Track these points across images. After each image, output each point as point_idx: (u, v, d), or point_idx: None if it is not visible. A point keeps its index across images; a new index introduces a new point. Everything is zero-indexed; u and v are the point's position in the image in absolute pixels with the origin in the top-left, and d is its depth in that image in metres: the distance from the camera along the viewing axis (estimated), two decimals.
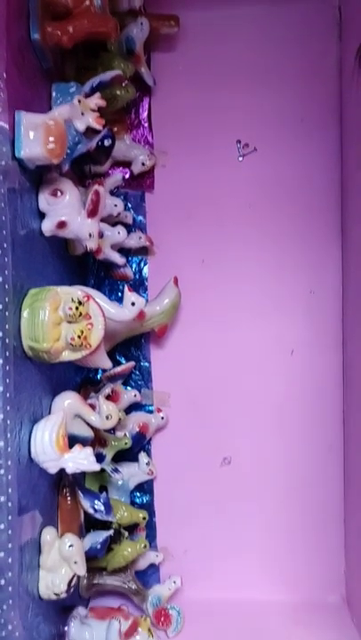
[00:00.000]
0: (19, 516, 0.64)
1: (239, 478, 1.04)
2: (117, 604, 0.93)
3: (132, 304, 0.82)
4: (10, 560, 0.60)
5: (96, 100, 0.75)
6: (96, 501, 0.83)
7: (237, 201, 1.03)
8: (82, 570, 0.75)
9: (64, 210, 0.74)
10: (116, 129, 0.97)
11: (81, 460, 0.69)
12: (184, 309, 1.02)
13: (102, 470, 0.93)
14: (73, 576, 0.74)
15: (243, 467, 1.04)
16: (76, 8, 0.75)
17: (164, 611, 0.95)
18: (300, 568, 1.03)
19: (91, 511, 0.83)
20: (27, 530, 0.68)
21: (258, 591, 1.03)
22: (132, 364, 1.01)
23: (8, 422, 0.61)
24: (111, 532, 0.87)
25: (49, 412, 0.77)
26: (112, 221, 0.96)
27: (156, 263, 1.05)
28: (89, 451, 0.70)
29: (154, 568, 1.02)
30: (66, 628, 0.83)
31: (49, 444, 0.68)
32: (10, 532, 0.60)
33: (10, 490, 0.60)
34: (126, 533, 0.94)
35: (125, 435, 0.98)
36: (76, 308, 0.69)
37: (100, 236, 0.86)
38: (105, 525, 0.89)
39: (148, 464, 0.99)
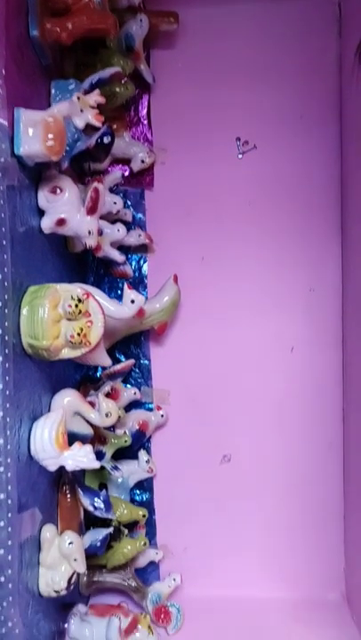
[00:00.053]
0: (18, 514, 0.64)
1: (239, 476, 1.04)
2: (117, 601, 0.93)
3: (132, 302, 0.82)
4: (10, 557, 0.60)
5: (95, 97, 0.74)
6: (96, 499, 0.83)
7: (237, 198, 1.03)
8: (82, 567, 0.75)
9: (63, 207, 0.74)
10: (115, 126, 0.97)
11: (80, 458, 0.69)
12: (184, 307, 1.02)
13: (102, 468, 0.93)
14: (73, 573, 0.74)
15: (242, 464, 1.04)
16: (75, 4, 0.75)
17: (163, 608, 0.95)
18: (299, 565, 1.03)
19: (90, 509, 0.83)
20: (26, 527, 0.68)
21: (258, 588, 1.03)
22: (131, 361, 1.01)
23: (7, 420, 0.61)
24: (111, 529, 0.87)
25: (48, 410, 0.77)
26: (111, 219, 0.95)
27: (155, 261, 1.05)
28: (88, 448, 0.70)
29: (154, 565, 1.02)
30: (66, 626, 0.83)
31: (48, 442, 0.68)
32: (9, 529, 0.60)
33: (9, 487, 0.60)
34: (126, 531, 0.94)
35: (125, 432, 0.98)
36: (76, 306, 0.69)
37: (100, 233, 0.86)
38: (105, 523, 0.89)
39: (147, 462, 0.99)
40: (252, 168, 1.03)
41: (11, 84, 0.63)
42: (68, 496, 0.82)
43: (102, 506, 0.83)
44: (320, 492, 1.03)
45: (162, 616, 0.95)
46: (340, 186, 1.02)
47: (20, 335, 0.67)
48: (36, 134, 0.65)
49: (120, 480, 0.98)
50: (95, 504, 0.83)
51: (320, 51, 1.01)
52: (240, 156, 1.03)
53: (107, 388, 0.95)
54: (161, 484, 1.04)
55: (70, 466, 0.69)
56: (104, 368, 0.97)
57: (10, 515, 0.60)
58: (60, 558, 0.74)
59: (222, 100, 1.02)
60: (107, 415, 0.81)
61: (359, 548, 0.96)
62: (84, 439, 0.77)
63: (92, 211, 0.76)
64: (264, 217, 1.03)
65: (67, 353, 0.71)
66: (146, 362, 1.05)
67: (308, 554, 1.03)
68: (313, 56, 1.01)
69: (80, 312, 0.69)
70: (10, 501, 0.60)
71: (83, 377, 1.01)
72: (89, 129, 0.75)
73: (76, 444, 0.69)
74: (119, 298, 0.85)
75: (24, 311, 0.67)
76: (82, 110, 0.73)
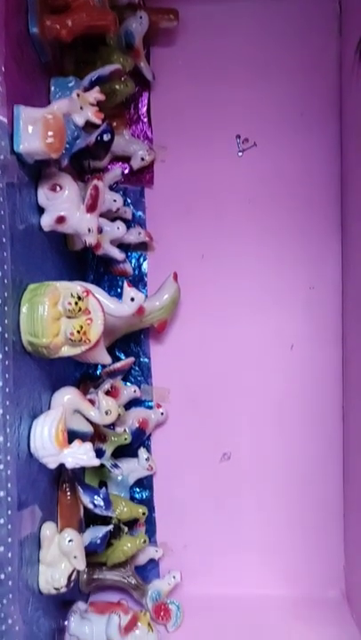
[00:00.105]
0: (18, 511, 0.64)
1: (239, 473, 1.04)
2: (117, 598, 0.93)
3: (132, 299, 0.82)
4: (9, 554, 0.60)
5: (95, 95, 0.74)
6: (96, 497, 0.83)
7: (237, 196, 1.03)
8: (81, 565, 0.75)
9: (63, 205, 0.74)
10: (115, 124, 0.97)
11: (80, 456, 0.69)
12: (183, 305, 1.02)
13: (102, 466, 0.93)
14: (73, 571, 0.75)
15: (242, 462, 1.04)
16: (75, 1, 0.75)
17: (163, 605, 0.95)
18: (299, 563, 1.03)
19: (90, 506, 0.83)
20: (26, 524, 0.68)
21: (257, 586, 1.03)
22: (131, 359, 1.01)
23: (7, 417, 0.61)
24: (111, 527, 0.87)
25: (48, 408, 0.77)
26: (111, 217, 0.95)
27: (155, 258, 1.05)
28: (88, 446, 0.70)
29: (153, 563, 1.02)
30: (66, 623, 0.83)
31: (48, 440, 0.68)
32: (9, 526, 0.60)
33: (9, 485, 0.60)
34: (126, 529, 0.94)
35: (125, 430, 0.98)
36: (76, 304, 0.69)
37: (100, 231, 0.86)
38: (104, 521, 0.89)
39: (147, 460, 0.99)
40: (253, 166, 1.03)
41: (10, 82, 0.63)
42: (68, 494, 0.82)
43: (102, 503, 0.83)
44: (320, 490, 1.03)
45: (162, 613, 0.95)
46: (340, 183, 1.02)
47: (19, 333, 0.67)
48: (35, 132, 0.65)
49: (120, 478, 0.98)
50: (95, 502, 0.83)
51: (320, 48, 1.01)
52: (240, 153, 1.03)
53: (106, 385, 0.95)
54: (161, 482, 1.04)
55: (70, 463, 0.69)
56: (104, 366, 0.97)
57: (10, 512, 0.60)
58: (60, 556, 0.74)
59: (222, 98, 1.02)
60: (106, 413, 0.81)
61: (359, 546, 0.96)
62: (83, 437, 0.77)
63: (91, 208, 0.76)
64: (264, 214, 1.02)
65: (66, 351, 0.71)
66: (146, 360, 1.05)
67: (308, 552, 1.03)
68: (313, 53, 1.01)
69: (80, 310, 0.69)
70: (10, 499, 0.60)
71: (82, 375, 1.01)
72: (89, 126, 0.75)
73: (76, 442, 0.69)
74: (119, 296, 0.85)
75: (24, 309, 0.67)
76: (81, 108, 0.73)
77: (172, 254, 1.03)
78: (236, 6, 1.01)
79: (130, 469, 0.99)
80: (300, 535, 1.03)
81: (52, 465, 0.69)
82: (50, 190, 0.73)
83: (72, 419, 0.78)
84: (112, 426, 0.94)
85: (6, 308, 0.62)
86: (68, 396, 0.78)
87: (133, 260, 1.04)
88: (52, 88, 0.79)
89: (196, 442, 1.04)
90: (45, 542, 0.73)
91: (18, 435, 0.66)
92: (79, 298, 0.69)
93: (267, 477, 1.04)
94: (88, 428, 0.81)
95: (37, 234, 0.74)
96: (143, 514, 0.96)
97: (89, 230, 0.76)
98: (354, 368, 0.97)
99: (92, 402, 0.82)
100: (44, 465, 0.69)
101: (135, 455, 1.00)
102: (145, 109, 1.04)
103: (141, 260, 1.05)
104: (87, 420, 0.80)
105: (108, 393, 0.93)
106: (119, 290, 1.02)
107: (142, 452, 1.00)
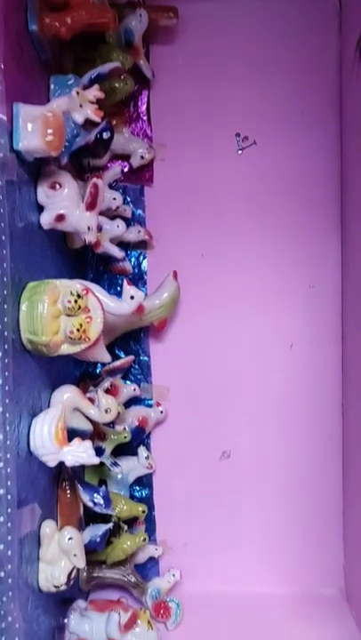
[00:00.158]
0: (18, 509, 0.64)
1: (238, 472, 1.04)
2: (117, 596, 0.93)
3: (131, 298, 0.82)
4: (9, 552, 0.60)
5: (95, 92, 0.74)
6: (95, 495, 0.83)
7: (237, 194, 1.03)
8: (81, 562, 0.75)
9: (63, 203, 0.74)
10: (114, 122, 0.97)
11: (80, 454, 0.69)
12: (183, 303, 1.02)
13: (101, 464, 0.93)
14: (72, 569, 0.75)
15: (242, 460, 1.04)
16: None
17: (163, 603, 0.95)
18: (299, 561, 1.03)
19: (90, 504, 0.83)
20: (26, 522, 0.68)
21: (257, 584, 1.03)
22: (131, 357, 1.01)
23: (7, 415, 0.61)
24: (110, 525, 0.87)
25: (48, 406, 0.77)
26: (111, 215, 0.95)
27: (155, 257, 1.04)
28: (88, 444, 0.70)
29: (153, 561, 1.03)
30: (66, 621, 0.83)
31: (48, 438, 0.68)
32: (9, 524, 0.60)
33: (9, 483, 0.60)
34: (126, 527, 0.94)
35: (125, 428, 0.98)
36: (75, 302, 0.69)
37: (99, 229, 0.86)
38: (104, 519, 0.89)
39: (147, 458, 0.99)
40: (252, 164, 1.02)
41: (10, 79, 0.63)
42: (68, 492, 0.82)
43: (102, 502, 0.83)
44: (319, 488, 1.03)
45: (161, 611, 0.95)
46: (339, 182, 1.02)
47: (19, 331, 0.67)
48: (35, 129, 0.65)
49: (120, 476, 0.99)
50: (95, 500, 0.83)
51: (320, 46, 1.01)
52: (240, 151, 1.03)
53: (106, 384, 0.95)
54: (160, 480, 1.04)
55: (70, 462, 0.69)
56: (103, 364, 0.97)
57: (9, 510, 0.60)
58: (60, 554, 0.74)
59: (222, 96, 1.02)
60: (106, 411, 0.81)
61: (358, 544, 0.96)
62: (83, 435, 0.77)
63: (91, 206, 0.76)
64: (264, 213, 1.02)
65: (66, 349, 0.71)
66: (145, 358, 1.05)
67: (308, 550, 1.03)
68: (313, 52, 1.01)
69: (79, 308, 0.69)
70: (9, 497, 0.60)
71: (82, 373, 1.01)
72: (88, 124, 0.75)
73: (76, 440, 0.69)
74: (119, 294, 0.85)
75: (23, 307, 0.67)
76: (81, 105, 0.73)
77: (171, 252, 1.03)
78: (235, 4, 1.01)
79: (129, 468, 0.99)
80: (300, 533, 1.03)
81: (52, 463, 0.69)
82: (49, 188, 0.73)
83: (72, 417, 0.78)
84: (112, 424, 0.94)
85: (6, 306, 0.62)
86: (67, 395, 0.78)
87: (133, 259, 1.04)
88: (52, 86, 0.79)
89: (195, 440, 1.05)
90: (45, 540, 0.74)
91: (17, 433, 0.66)
92: (79, 296, 0.69)
93: (266, 475, 1.04)
94: (88, 427, 0.81)
95: (37, 232, 0.74)
96: (143, 512, 0.96)
97: (88, 228, 0.76)
98: (353, 367, 0.97)
99: (91, 400, 0.82)
100: (44, 463, 0.69)
101: (135, 453, 1.00)
102: (144, 107, 1.04)
103: (141, 258, 1.05)
104: (87, 418, 0.80)
105: (107, 391, 0.93)
106: (119, 288, 1.02)
107: (142, 451, 1.00)
